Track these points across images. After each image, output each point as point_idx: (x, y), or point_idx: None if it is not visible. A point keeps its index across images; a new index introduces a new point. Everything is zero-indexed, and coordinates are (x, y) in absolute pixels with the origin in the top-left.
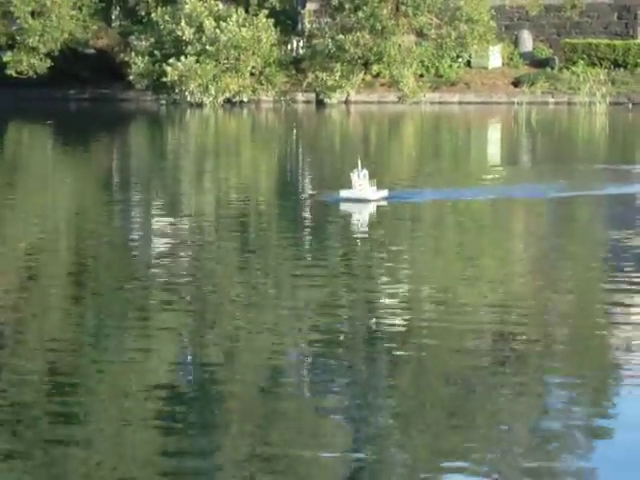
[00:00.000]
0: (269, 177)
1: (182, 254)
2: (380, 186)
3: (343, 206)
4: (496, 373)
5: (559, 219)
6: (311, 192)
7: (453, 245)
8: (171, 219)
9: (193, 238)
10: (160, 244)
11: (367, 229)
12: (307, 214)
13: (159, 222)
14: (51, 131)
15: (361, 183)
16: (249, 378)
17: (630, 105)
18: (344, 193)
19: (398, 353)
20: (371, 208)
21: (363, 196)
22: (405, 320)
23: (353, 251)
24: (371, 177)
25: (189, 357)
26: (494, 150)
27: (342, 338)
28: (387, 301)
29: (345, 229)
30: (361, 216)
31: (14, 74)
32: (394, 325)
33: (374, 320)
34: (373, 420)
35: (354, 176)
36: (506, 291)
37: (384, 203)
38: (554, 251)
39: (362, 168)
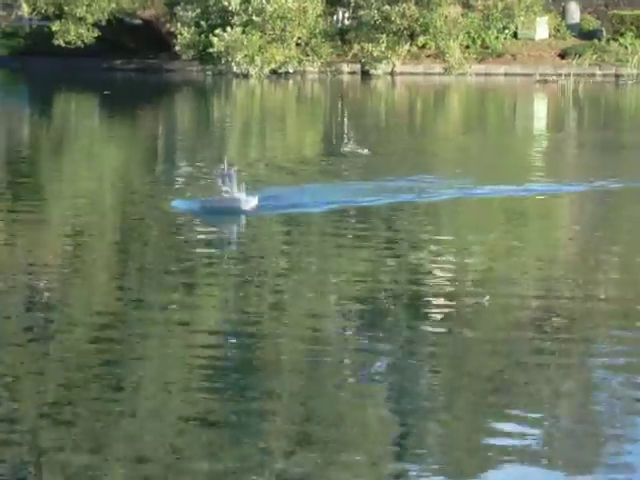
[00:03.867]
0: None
1: (226, 231)
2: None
3: (202, 219)
4: (543, 349)
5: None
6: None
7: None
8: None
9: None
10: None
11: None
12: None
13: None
14: (99, 101)
15: (227, 188)
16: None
17: None
18: (204, 201)
19: (440, 320)
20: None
21: (232, 205)
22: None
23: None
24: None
25: (232, 326)
26: (540, 125)
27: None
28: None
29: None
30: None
31: (62, 44)
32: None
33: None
34: (415, 392)
35: (218, 178)
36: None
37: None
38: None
39: (229, 167)
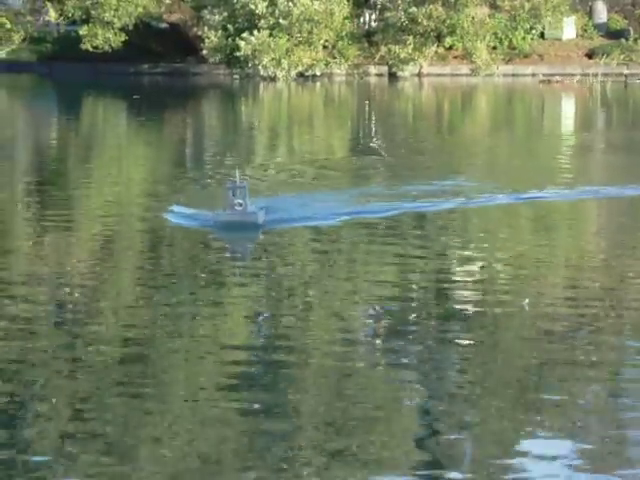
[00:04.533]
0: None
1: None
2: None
3: (217, 233)
4: (573, 346)
5: None
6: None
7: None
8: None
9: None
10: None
11: None
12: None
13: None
14: (128, 105)
15: (240, 201)
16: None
17: None
18: (219, 215)
19: (470, 314)
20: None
21: (247, 219)
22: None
23: None
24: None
25: (262, 323)
26: (567, 126)
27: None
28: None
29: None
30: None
31: (90, 48)
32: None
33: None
34: (443, 390)
35: (229, 191)
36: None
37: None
38: None
39: (241, 179)
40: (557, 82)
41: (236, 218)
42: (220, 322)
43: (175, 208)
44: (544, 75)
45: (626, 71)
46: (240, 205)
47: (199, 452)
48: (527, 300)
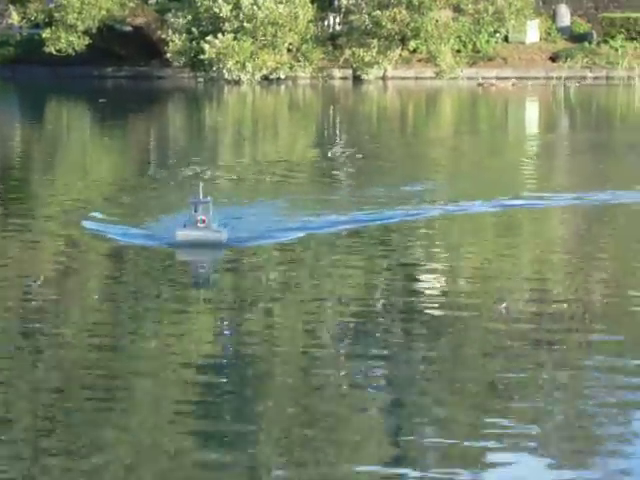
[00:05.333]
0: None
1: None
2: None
3: (180, 253)
4: (539, 345)
5: None
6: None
7: None
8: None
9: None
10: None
11: None
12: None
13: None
14: (92, 108)
15: (203, 217)
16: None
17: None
18: (181, 234)
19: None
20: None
21: (210, 237)
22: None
23: None
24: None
25: (227, 331)
26: (530, 129)
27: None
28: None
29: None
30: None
31: (53, 51)
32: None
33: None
34: (411, 391)
35: (191, 207)
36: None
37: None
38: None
39: (204, 196)
40: (492, 85)
41: (199, 236)
42: (179, 340)
43: (179, 233)
44: (483, 78)
45: (589, 74)
46: (203, 222)
47: (160, 452)
48: (505, 304)
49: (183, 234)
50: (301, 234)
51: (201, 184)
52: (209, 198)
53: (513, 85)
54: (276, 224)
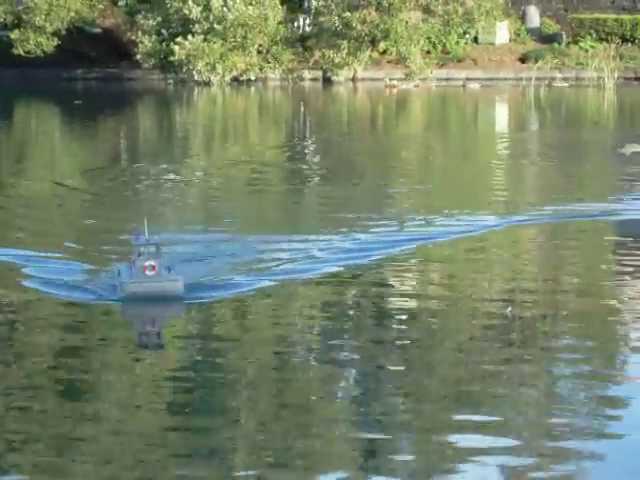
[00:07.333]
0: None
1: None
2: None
3: (130, 309)
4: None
5: None
6: None
7: None
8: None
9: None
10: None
11: None
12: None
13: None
14: (63, 111)
15: (153, 263)
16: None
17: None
18: (128, 284)
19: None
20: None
21: (163, 288)
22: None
23: None
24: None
25: (199, 341)
26: (499, 129)
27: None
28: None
29: None
30: None
31: (22, 53)
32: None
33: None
34: (382, 397)
35: (138, 250)
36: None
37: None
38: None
39: (151, 235)
40: (394, 87)
41: (148, 288)
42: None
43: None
44: (390, 80)
45: (558, 75)
46: (152, 269)
47: (135, 449)
48: (510, 308)
49: (132, 286)
50: (268, 280)
51: (145, 220)
52: (157, 238)
53: (416, 86)
54: (239, 268)
